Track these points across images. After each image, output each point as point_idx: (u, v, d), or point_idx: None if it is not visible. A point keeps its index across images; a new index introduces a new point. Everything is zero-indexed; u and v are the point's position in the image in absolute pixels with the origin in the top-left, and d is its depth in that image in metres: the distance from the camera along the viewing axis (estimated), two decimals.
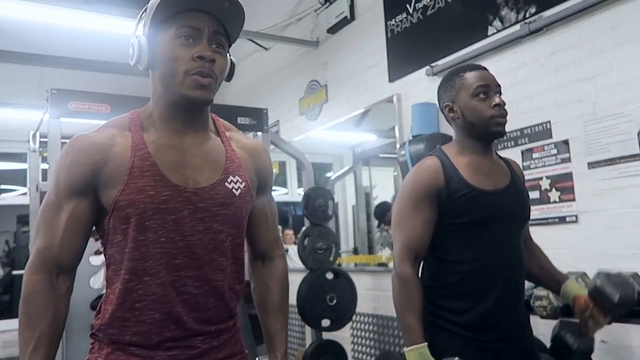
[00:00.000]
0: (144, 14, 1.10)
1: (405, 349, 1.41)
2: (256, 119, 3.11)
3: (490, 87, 1.47)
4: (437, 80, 3.05)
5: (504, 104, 1.47)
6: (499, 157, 1.60)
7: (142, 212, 1.03)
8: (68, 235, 1.05)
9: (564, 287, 1.54)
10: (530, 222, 1.62)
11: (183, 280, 1.06)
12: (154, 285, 1.04)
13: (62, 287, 1.07)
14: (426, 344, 1.39)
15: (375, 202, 4.38)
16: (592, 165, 2.28)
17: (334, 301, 3.17)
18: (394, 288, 1.46)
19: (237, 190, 1.12)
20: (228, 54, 1.13)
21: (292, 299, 3.12)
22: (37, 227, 1.07)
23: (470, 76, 1.48)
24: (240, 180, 1.14)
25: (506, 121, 1.48)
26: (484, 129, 1.47)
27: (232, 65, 1.15)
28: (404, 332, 1.44)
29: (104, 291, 1.11)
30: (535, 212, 2.50)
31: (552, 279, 1.59)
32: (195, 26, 1.04)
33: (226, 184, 1.11)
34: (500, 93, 1.49)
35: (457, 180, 1.44)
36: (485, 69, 1.52)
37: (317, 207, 3.27)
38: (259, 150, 1.25)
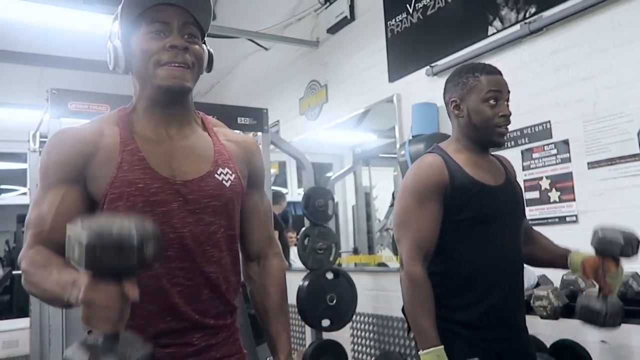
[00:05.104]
0: (117, 15, 1.11)
1: (420, 352, 1.35)
2: (256, 119, 3.10)
3: (501, 94, 1.46)
4: (437, 80, 3.09)
5: (510, 115, 1.47)
6: (492, 155, 1.60)
7: (132, 204, 1.03)
8: (58, 222, 1.01)
9: (570, 258, 1.52)
10: (530, 222, 1.62)
11: (174, 272, 1.06)
12: (147, 277, 1.03)
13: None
14: (442, 346, 1.34)
15: (376, 202, 4.38)
16: (592, 165, 2.28)
17: (334, 301, 3.17)
18: (405, 289, 1.41)
19: (227, 181, 1.13)
20: (204, 45, 1.14)
21: (292, 299, 3.14)
22: (27, 222, 1.05)
23: (485, 79, 1.46)
24: (230, 172, 1.15)
25: (507, 131, 1.49)
26: (485, 135, 1.48)
27: (210, 55, 1.16)
28: (416, 335, 1.39)
29: None
30: (535, 212, 2.50)
31: (558, 256, 1.57)
32: (164, 20, 1.06)
33: (216, 175, 1.12)
34: (508, 100, 1.49)
35: (462, 176, 1.44)
36: (500, 73, 1.50)
37: (317, 207, 3.27)
38: (249, 144, 1.25)
